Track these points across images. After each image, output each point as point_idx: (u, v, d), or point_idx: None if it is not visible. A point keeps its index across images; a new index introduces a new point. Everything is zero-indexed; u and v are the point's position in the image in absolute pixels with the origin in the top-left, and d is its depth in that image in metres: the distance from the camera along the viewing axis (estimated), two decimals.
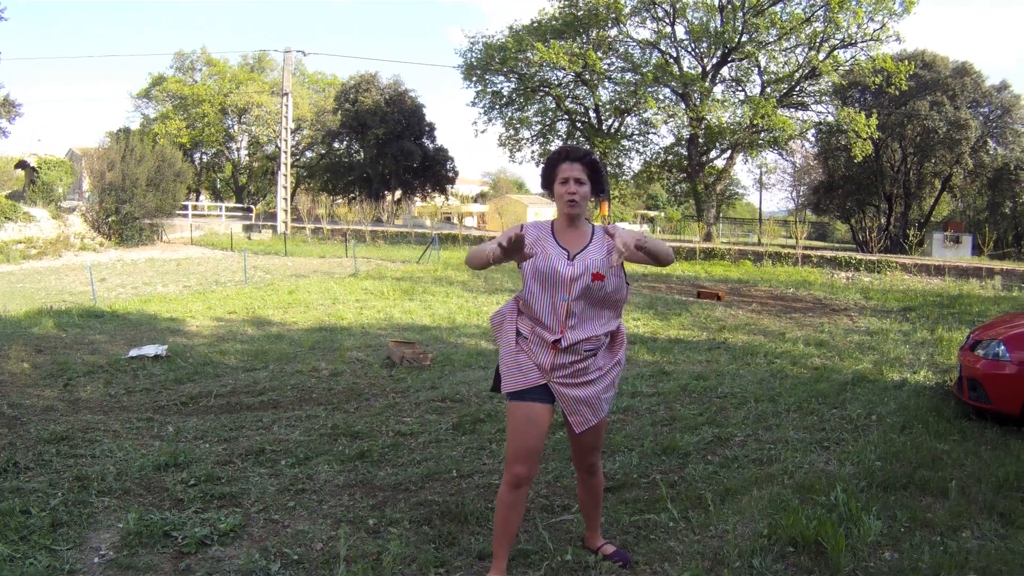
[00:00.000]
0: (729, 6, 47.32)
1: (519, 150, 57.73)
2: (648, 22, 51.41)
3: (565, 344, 4.54)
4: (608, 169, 54.21)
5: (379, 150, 66.92)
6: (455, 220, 73.79)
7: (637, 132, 56.66)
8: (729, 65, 51.64)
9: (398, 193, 74.01)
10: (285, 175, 52.62)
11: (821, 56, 47.68)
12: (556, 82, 53.75)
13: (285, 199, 52.30)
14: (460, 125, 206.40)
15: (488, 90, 55.70)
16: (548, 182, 4.75)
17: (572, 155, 4.65)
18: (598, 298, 4.60)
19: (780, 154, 57.15)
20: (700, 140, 50.48)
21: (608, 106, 54.30)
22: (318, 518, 5.71)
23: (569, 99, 54.87)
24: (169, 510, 5.73)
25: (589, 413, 4.68)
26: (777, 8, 46.95)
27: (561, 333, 4.57)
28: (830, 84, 49.48)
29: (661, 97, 51.34)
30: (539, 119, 56.35)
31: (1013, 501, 6.12)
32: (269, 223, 54.62)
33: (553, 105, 55.41)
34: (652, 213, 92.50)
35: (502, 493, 4.73)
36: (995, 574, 4.93)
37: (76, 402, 9.34)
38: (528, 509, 5.84)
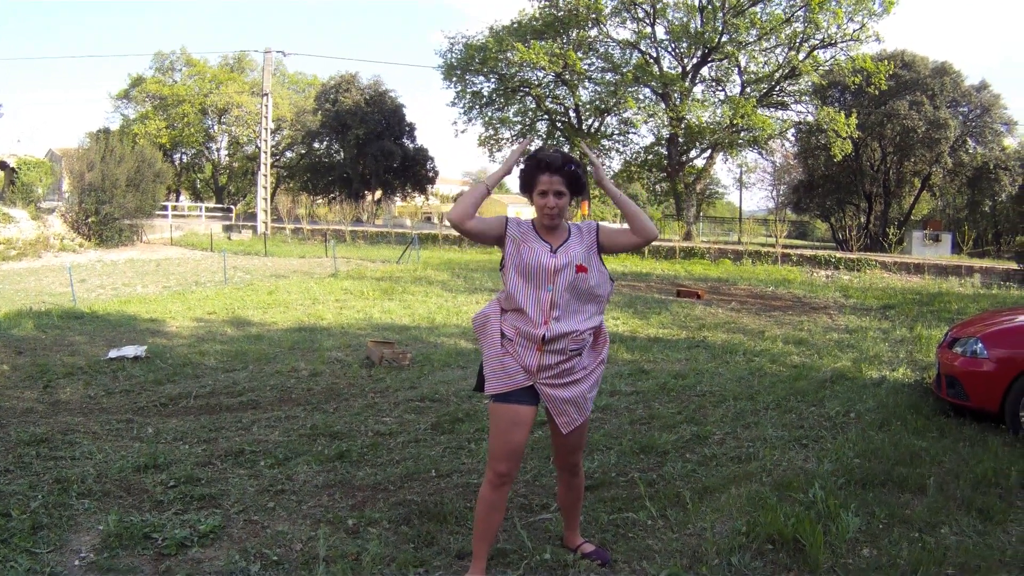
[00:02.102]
0: (709, 6, 47.32)
1: (499, 150, 57.60)
2: (628, 22, 51.43)
3: (550, 336, 4.56)
4: (588, 170, 54.24)
5: (359, 150, 66.88)
6: (435, 220, 73.73)
7: (617, 132, 56.74)
8: (709, 65, 51.74)
9: (378, 193, 73.98)
10: (265, 175, 52.43)
11: (801, 56, 47.74)
12: (536, 82, 53.66)
13: (265, 199, 52.11)
14: (440, 125, 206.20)
15: (468, 90, 55.63)
16: (527, 188, 4.74)
17: (552, 166, 4.62)
18: (582, 291, 4.63)
19: (760, 153, 57.29)
20: (680, 140, 50.52)
21: (588, 106, 54.27)
22: (297, 519, 5.71)
23: (549, 99, 54.81)
24: (149, 512, 5.72)
25: (575, 412, 4.71)
26: (757, 8, 47.02)
27: (545, 325, 4.56)
28: (810, 84, 49.55)
29: (641, 97, 51.36)
30: (519, 119, 56.27)
31: (991, 497, 6.17)
32: (249, 223, 54.39)
33: (533, 105, 55.34)
34: None
35: (484, 492, 4.74)
36: (973, 570, 4.97)
37: (56, 404, 9.31)
38: (507, 508, 5.85)
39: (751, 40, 48.40)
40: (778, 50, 49.89)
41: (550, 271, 4.59)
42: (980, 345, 8.58)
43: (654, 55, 51.42)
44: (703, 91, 53.35)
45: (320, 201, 71.75)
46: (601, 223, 4.86)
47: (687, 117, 48.31)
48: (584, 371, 4.74)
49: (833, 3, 44.65)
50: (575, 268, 4.60)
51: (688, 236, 49.10)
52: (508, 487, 4.78)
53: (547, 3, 50.80)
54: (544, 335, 4.57)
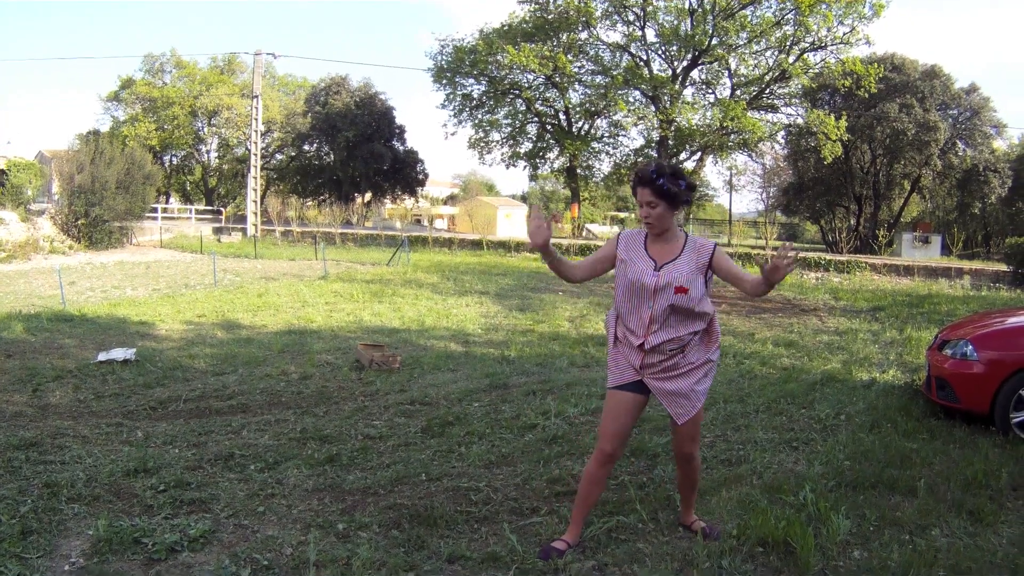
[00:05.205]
0: (699, 10, 47.48)
1: (489, 152, 57.86)
2: (618, 25, 51.57)
3: (648, 347, 5.00)
4: (579, 172, 54.35)
5: (349, 152, 66.72)
6: (425, 222, 73.66)
7: (607, 134, 56.84)
8: (699, 68, 51.87)
9: (368, 195, 73.87)
10: (255, 177, 52.28)
11: (791, 59, 47.92)
12: (526, 85, 53.76)
13: (255, 201, 51.95)
14: (430, 127, 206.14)
15: (458, 92, 55.76)
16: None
17: (642, 179, 4.95)
18: (682, 308, 4.92)
19: (750, 156, 57.44)
20: (670, 142, 50.62)
21: (578, 108, 54.38)
22: (287, 523, 5.70)
23: (539, 101, 54.91)
24: (139, 516, 5.70)
25: (687, 404, 5.09)
26: (747, 11, 47.16)
27: (645, 337, 5.00)
28: (800, 87, 49.73)
29: (631, 99, 51.52)
30: (509, 121, 56.41)
31: (982, 499, 6.19)
32: (239, 226, 54.20)
33: (523, 108, 55.45)
34: (622, 215, 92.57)
35: (589, 468, 5.24)
36: (964, 572, 4.99)
37: (45, 407, 9.26)
38: (496, 512, 5.92)
39: (741, 43, 48.59)
40: (768, 53, 50.11)
41: (650, 291, 4.95)
42: (970, 347, 8.59)
43: (644, 58, 51.57)
44: (693, 94, 53.52)
45: (310, 203, 71.69)
46: (718, 246, 5.12)
47: (677, 119, 48.47)
48: (690, 366, 5.06)
49: (823, 6, 44.75)
50: (674, 289, 4.90)
51: None
52: (611, 465, 5.24)
53: (537, 6, 50.87)
54: (643, 344, 5.00)
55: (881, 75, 46.55)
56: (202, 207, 68.05)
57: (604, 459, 5.13)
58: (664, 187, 4.86)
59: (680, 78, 50.88)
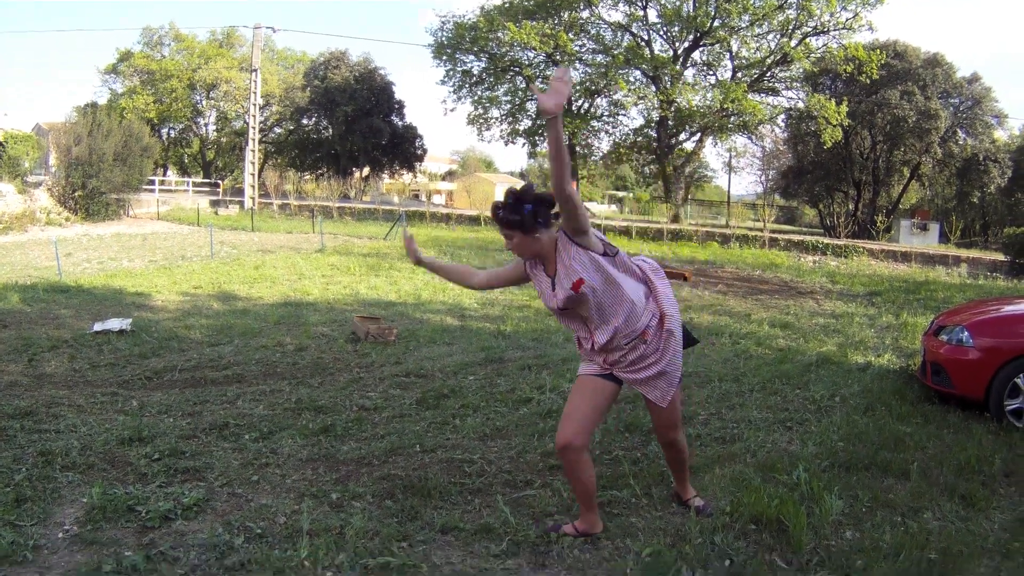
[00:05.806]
0: None
1: (488, 129, 57.75)
2: (620, 4, 51.40)
3: (598, 346, 4.93)
4: (578, 150, 54.23)
5: (348, 127, 66.57)
6: (423, 197, 73.61)
7: (607, 113, 56.67)
8: (700, 49, 51.68)
9: (366, 170, 73.72)
10: (253, 151, 52.11)
11: (793, 43, 47.75)
12: (527, 62, 53.58)
13: (253, 175, 51.79)
14: (430, 103, 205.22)
15: (458, 69, 55.63)
16: None
17: (492, 215, 4.80)
18: (598, 294, 4.77)
19: (749, 138, 57.24)
20: (670, 122, 50.52)
21: (578, 87, 54.15)
22: (281, 492, 5.71)
23: (539, 79, 54.73)
24: (133, 484, 5.70)
25: (664, 384, 5.07)
26: None
27: (592, 338, 4.94)
28: (801, 71, 49.54)
29: (632, 79, 51.33)
30: (508, 99, 56.22)
31: (974, 484, 6.20)
32: (236, 198, 54.07)
33: (523, 85, 55.27)
34: (620, 194, 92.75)
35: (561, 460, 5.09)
36: (955, 555, 4.99)
37: (40, 377, 9.27)
38: (490, 484, 5.94)
39: (743, 25, 48.43)
40: (770, 36, 49.92)
41: (556, 309, 4.90)
42: (966, 333, 8.59)
43: (645, 38, 51.38)
44: (694, 75, 53.16)
45: (308, 177, 71.52)
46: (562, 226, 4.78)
47: (677, 100, 48.32)
48: (657, 353, 4.99)
49: None
50: (572, 288, 4.71)
51: (676, 218, 49.14)
52: (576, 454, 4.91)
53: None
54: (593, 346, 4.96)
55: (883, 62, 46.36)
56: (200, 180, 67.84)
57: (562, 447, 4.90)
58: (505, 220, 4.70)
59: (681, 59, 50.75)
